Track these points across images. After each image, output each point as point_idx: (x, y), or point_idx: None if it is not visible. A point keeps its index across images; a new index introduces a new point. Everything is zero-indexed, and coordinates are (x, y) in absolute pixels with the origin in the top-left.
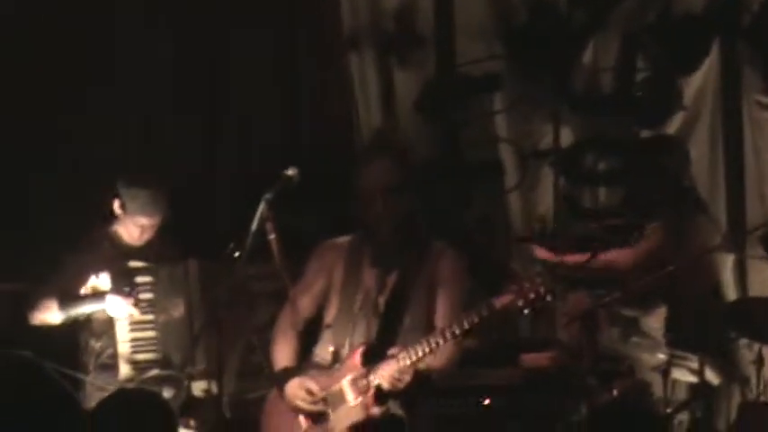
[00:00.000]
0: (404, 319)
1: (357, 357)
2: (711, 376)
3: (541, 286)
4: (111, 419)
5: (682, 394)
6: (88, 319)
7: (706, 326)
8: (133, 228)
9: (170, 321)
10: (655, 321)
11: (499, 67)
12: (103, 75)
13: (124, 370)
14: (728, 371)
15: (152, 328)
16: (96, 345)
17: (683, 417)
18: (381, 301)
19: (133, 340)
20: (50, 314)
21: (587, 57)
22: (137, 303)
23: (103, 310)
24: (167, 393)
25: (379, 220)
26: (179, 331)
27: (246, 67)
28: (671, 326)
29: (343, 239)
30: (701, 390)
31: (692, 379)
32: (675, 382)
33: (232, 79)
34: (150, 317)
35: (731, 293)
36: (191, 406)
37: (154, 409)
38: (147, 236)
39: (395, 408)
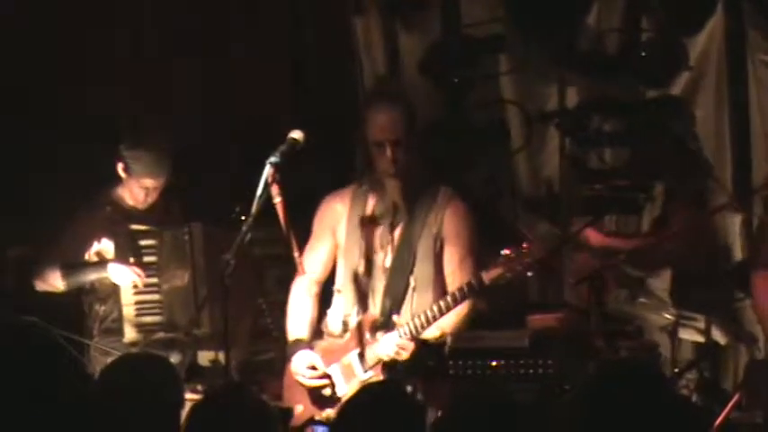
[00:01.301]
0: (411, 277)
1: (363, 330)
2: (718, 336)
3: (527, 257)
4: (118, 384)
5: (689, 354)
6: (92, 284)
7: (713, 286)
8: (138, 190)
9: (175, 284)
10: (662, 282)
11: (504, 28)
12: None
13: (129, 333)
14: (735, 330)
15: (156, 291)
16: (101, 309)
17: (691, 376)
18: (386, 260)
19: (137, 303)
20: (54, 282)
21: (592, 18)
22: (140, 267)
23: (108, 278)
24: (174, 359)
25: (386, 170)
26: (184, 294)
27: (250, 32)
28: (678, 286)
29: (344, 193)
30: (708, 349)
31: (700, 339)
32: (682, 342)
33: (235, 44)
34: (154, 280)
35: (738, 253)
36: (197, 372)
37: (160, 373)
38: (151, 198)
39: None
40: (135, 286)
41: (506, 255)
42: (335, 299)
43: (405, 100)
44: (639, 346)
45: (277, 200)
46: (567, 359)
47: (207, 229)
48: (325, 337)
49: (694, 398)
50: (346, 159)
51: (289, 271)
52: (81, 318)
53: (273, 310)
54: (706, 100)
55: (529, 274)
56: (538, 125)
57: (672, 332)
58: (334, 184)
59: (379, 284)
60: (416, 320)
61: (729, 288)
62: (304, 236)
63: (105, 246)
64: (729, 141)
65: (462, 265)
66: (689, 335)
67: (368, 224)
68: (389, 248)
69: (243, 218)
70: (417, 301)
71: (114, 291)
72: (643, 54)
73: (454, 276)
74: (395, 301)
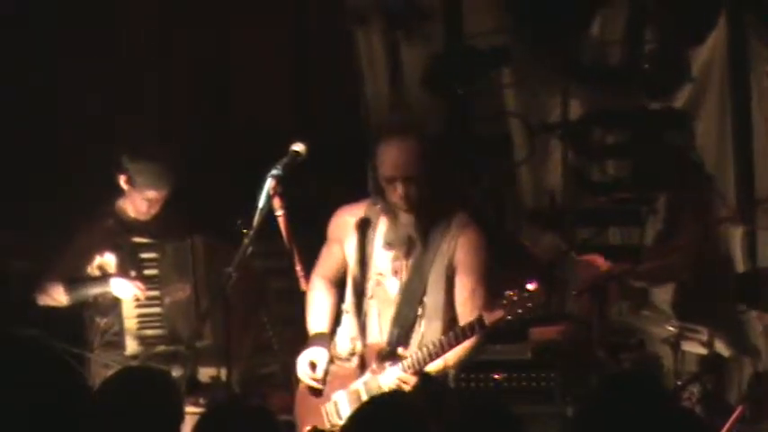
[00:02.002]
0: (420, 306)
1: (370, 359)
2: (722, 348)
3: (529, 301)
4: (117, 397)
5: (692, 367)
6: (95, 298)
7: (716, 298)
8: (141, 202)
9: (176, 297)
10: (664, 294)
11: (507, 40)
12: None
13: (131, 346)
14: (739, 343)
15: (158, 305)
16: (102, 322)
17: (694, 389)
18: (395, 286)
19: (139, 316)
20: (57, 296)
21: (595, 29)
22: (142, 281)
23: (111, 292)
24: (175, 373)
25: (398, 206)
26: (185, 307)
27: (254, 43)
28: (681, 298)
29: (357, 209)
30: (711, 362)
31: (703, 351)
32: (685, 354)
33: (239, 53)
34: (156, 293)
35: (741, 266)
36: (197, 385)
37: (160, 387)
38: (154, 210)
39: None
40: (137, 299)
41: (509, 296)
42: (343, 318)
43: (418, 133)
44: (642, 359)
45: (279, 213)
46: (570, 371)
47: (209, 242)
48: (335, 360)
49: (697, 410)
50: (349, 173)
51: (291, 284)
52: (82, 330)
53: (275, 324)
54: (708, 111)
55: (528, 317)
56: (541, 137)
57: (674, 344)
58: (336, 197)
59: (387, 311)
60: (419, 354)
61: (732, 300)
62: (306, 249)
63: (107, 259)
64: (732, 153)
65: (474, 295)
66: (692, 347)
67: (377, 247)
68: (401, 275)
69: (244, 231)
70: (426, 330)
71: (115, 304)
72: (646, 66)
73: (465, 306)
74: (403, 329)
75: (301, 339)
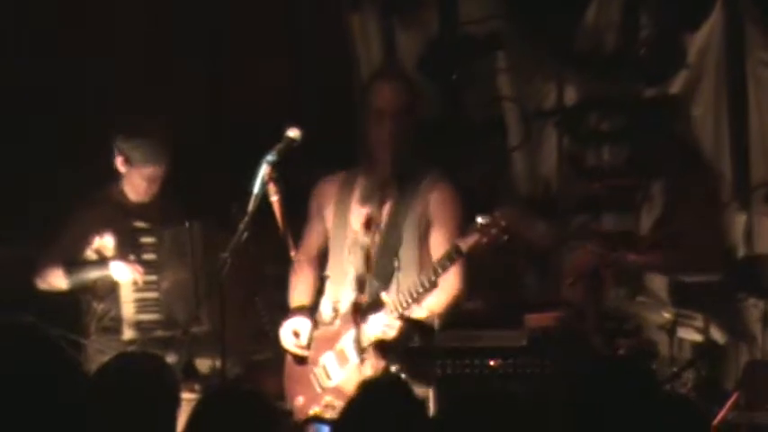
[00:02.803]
0: (396, 259)
1: (351, 315)
2: (717, 335)
3: (501, 220)
4: (113, 383)
5: (687, 353)
6: (92, 282)
7: (712, 284)
8: (139, 181)
9: (174, 282)
10: (660, 280)
11: (502, 26)
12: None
13: (127, 331)
14: (735, 330)
15: (155, 289)
16: (99, 307)
17: (689, 375)
18: (371, 242)
19: (137, 300)
20: (57, 280)
21: (590, 15)
22: (140, 265)
23: (110, 275)
24: (170, 359)
25: (381, 140)
26: (183, 292)
27: (248, 27)
28: (677, 285)
29: (336, 176)
30: (706, 349)
31: (698, 338)
32: (681, 341)
33: (233, 40)
34: (154, 278)
35: (740, 252)
36: (193, 371)
37: (156, 372)
38: (153, 189)
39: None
40: (135, 284)
41: (480, 222)
42: (326, 285)
43: (412, 80)
44: (638, 345)
45: (274, 198)
46: (565, 358)
47: (207, 228)
48: (319, 326)
49: (693, 397)
50: (345, 157)
51: (285, 270)
52: (78, 316)
53: (269, 310)
54: (704, 98)
55: (504, 238)
56: (536, 123)
57: (670, 331)
58: None
59: (363, 267)
60: (401, 296)
61: (730, 287)
62: (300, 234)
63: (105, 242)
64: (728, 139)
65: (449, 240)
66: (687, 334)
67: (352, 206)
68: (375, 231)
69: (239, 217)
70: (402, 283)
71: (113, 289)
72: (641, 51)
73: (438, 251)
74: (382, 282)
75: None
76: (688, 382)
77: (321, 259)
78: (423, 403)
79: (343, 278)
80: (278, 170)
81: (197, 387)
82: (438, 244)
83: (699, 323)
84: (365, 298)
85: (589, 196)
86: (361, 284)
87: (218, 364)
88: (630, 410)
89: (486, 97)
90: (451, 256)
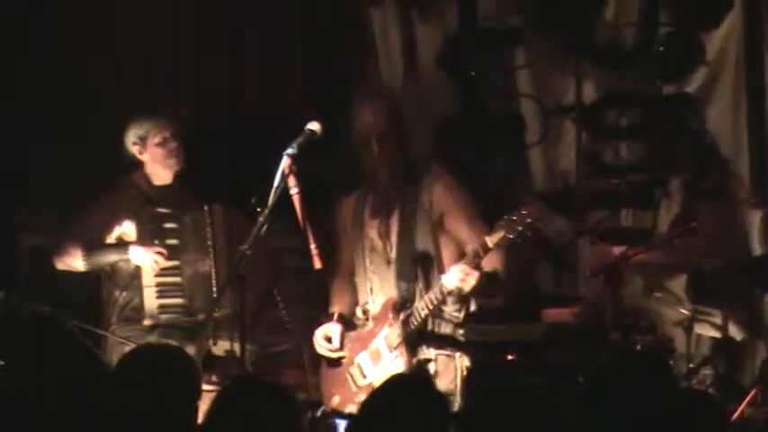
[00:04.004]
0: (416, 257)
1: (384, 314)
2: (735, 332)
3: (528, 217)
4: (134, 375)
5: (705, 350)
6: (113, 271)
7: (730, 281)
8: (159, 151)
9: (196, 266)
10: (678, 276)
11: (521, 22)
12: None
13: (148, 319)
14: (752, 326)
15: (178, 274)
16: (120, 296)
17: (707, 372)
18: (388, 249)
19: (159, 285)
20: (75, 261)
21: (609, 11)
22: (162, 254)
23: (128, 262)
24: (190, 350)
25: (376, 164)
26: (205, 279)
27: (267, 21)
28: (694, 281)
29: (352, 194)
30: (724, 345)
31: (716, 334)
32: (698, 337)
33: (251, 35)
34: (176, 263)
35: (757, 249)
36: (211, 362)
37: (177, 364)
38: (176, 151)
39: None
40: (156, 268)
41: (507, 218)
42: (358, 293)
43: (386, 95)
44: (654, 341)
45: (294, 191)
46: (583, 353)
47: (227, 211)
48: (354, 328)
49: (711, 393)
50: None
51: (304, 262)
52: (97, 306)
53: (288, 302)
54: (723, 95)
55: (529, 234)
56: (554, 119)
57: (687, 327)
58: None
59: (387, 272)
60: (432, 294)
61: (747, 283)
62: (320, 227)
63: (127, 229)
64: (746, 136)
65: (474, 229)
66: (705, 330)
67: (366, 220)
68: (390, 238)
69: (258, 209)
70: (426, 281)
71: (135, 277)
72: (660, 49)
73: (473, 239)
74: (407, 281)
75: (314, 318)
76: (706, 379)
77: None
78: (444, 398)
79: (369, 285)
80: (298, 163)
81: (214, 378)
82: (461, 230)
83: (716, 319)
84: (397, 298)
85: (607, 192)
86: (388, 287)
87: (234, 347)
88: (648, 405)
89: (504, 93)
90: (479, 254)
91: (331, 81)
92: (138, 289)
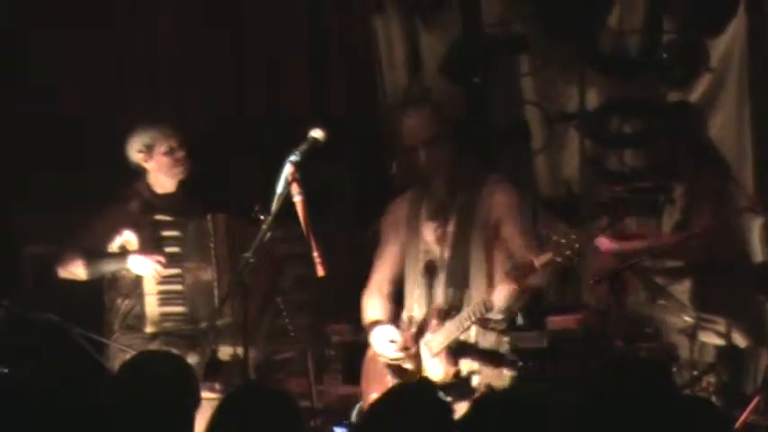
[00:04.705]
0: (469, 267)
1: (429, 321)
2: (738, 339)
3: (576, 242)
4: (133, 382)
5: (708, 357)
6: (115, 279)
7: (733, 289)
8: (166, 160)
9: (197, 275)
10: (681, 284)
11: (525, 28)
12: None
13: (150, 326)
14: (756, 334)
15: (180, 282)
16: (123, 304)
17: (710, 380)
18: (442, 255)
19: (160, 293)
20: (77, 270)
21: (613, 18)
22: (162, 257)
23: (129, 269)
24: (192, 359)
25: (428, 170)
26: (207, 287)
27: (273, 29)
28: (698, 289)
29: (405, 196)
30: (727, 353)
31: (719, 342)
32: (702, 344)
33: (255, 40)
34: (178, 270)
35: (759, 256)
36: (216, 369)
37: (176, 373)
38: (183, 161)
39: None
40: (157, 277)
41: (556, 240)
42: (404, 299)
43: (431, 101)
44: (658, 348)
45: (297, 198)
46: (586, 360)
47: (230, 220)
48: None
49: (714, 401)
50: (366, 158)
51: (307, 270)
52: (100, 313)
53: (291, 310)
54: (727, 102)
55: (575, 260)
56: (558, 126)
57: (691, 335)
58: (353, 182)
59: (439, 279)
60: (473, 307)
61: (750, 291)
62: (322, 235)
63: (129, 237)
64: (750, 143)
65: (523, 243)
66: (709, 338)
67: (422, 223)
68: (445, 244)
69: (261, 217)
70: (475, 289)
71: (137, 284)
72: (664, 55)
73: (522, 251)
74: (457, 289)
75: (318, 326)
76: (709, 387)
77: (397, 278)
78: (446, 407)
79: (418, 290)
80: (301, 170)
81: (218, 386)
82: (511, 242)
83: (720, 327)
84: (442, 305)
85: (611, 200)
86: (437, 293)
87: (239, 351)
88: (650, 413)
89: (508, 100)
90: (525, 272)
91: (338, 90)
92: (140, 297)
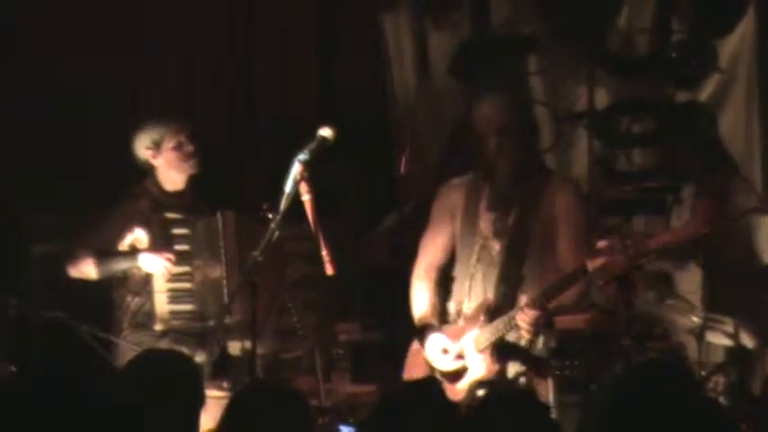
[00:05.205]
0: (524, 263)
1: (476, 315)
2: (746, 340)
3: (631, 248)
4: (138, 380)
5: (716, 357)
6: (125, 276)
7: (742, 289)
8: (175, 155)
9: (206, 273)
10: (690, 284)
11: (534, 28)
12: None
13: (159, 324)
14: (764, 334)
15: (189, 280)
16: (132, 302)
17: (718, 380)
18: (499, 248)
19: (170, 291)
20: (87, 269)
21: (622, 18)
22: (172, 259)
23: (140, 268)
24: (200, 357)
25: (495, 160)
26: (216, 285)
27: (279, 26)
28: (707, 289)
29: (461, 180)
30: (735, 353)
31: (727, 342)
32: (710, 345)
33: (264, 38)
34: (187, 269)
35: (767, 256)
36: (224, 367)
37: (181, 371)
38: (192, 155)
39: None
40: (168, 274)
41: (610, 246)
42: (452, 287)
43: (508, 89)
44: (666, 349)
45: (305, 197)
46: (595, 360)
47: (239, 218)
48: (445, 323)
49: (722, 401)
50: (374, 157)
51: (316, 269)
52: (109, 312)
53: (299, 308)
54: (736, 101)
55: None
56: (567, 125)
57: (699, 335)
58: (361, 181)
59: (492, 271)
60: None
61: (758, 291)
62: (330, 234)
63: (139, 235)
64: (759, 144)
65: (577, 245)
66: (717, 338)
67: (481, 211)
68: (503, 236)
69: (269, 216)
70: (529, 286)
71: (146, 283)
72: (673, 55)
73: (569, 256)
74: (510, 286)
75: (325, 324)
76: (717, 387)
77: (446, 263)
78: (452, 405)
79: (470, 281)
80: (309, 169)
81: (225, 385)
82: (566, 242)
83: (728, 327)
84: (493, 300)
85: (619, 199)
86: (489, 288)
87: (247, 345)
88: (662, 414)
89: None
90: (577, 275)
91: (346, 89)
92: (150, 294)
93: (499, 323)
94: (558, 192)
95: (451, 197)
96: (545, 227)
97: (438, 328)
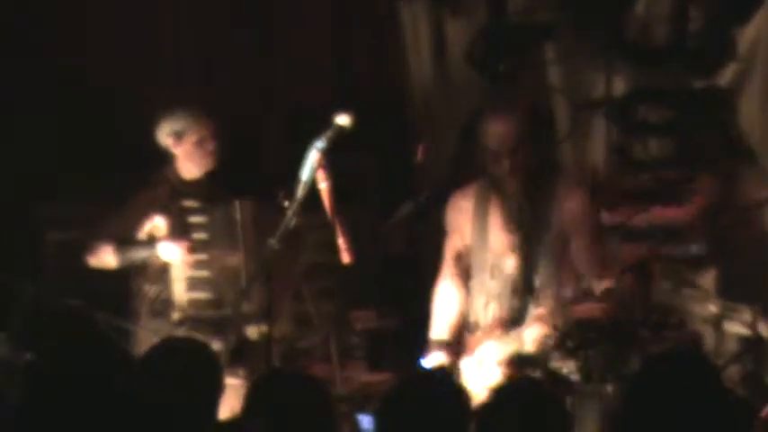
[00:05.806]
0: (536, 278)
1: (492, 329)
2: (764, 329)
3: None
4: (157, 368)
5: (733, 347)
6: (144, 265)
7: (759, 278)
8: (196, 150)
9: (224, 261)
10: (707, 273)
11: (551, 16)
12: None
13: (177, 312)
14: None
15: (206, 268)
16: (150, 290)
17: (735, 369)
18: (512, 264)
19: (188, 279)
20: (106, 258)
21: (640, 7)
22: (190, 246)
23: (159, 256)
24: (217, 345)
25: (505, 176)
26: (233, 271)
27: (298, 18)
28: (723, 278)
29: (468, 190)
30: (752, 343)
31: (744, 332)
32: (727, 334)
33: (281, 29)
34: (205, 256)
35: None
36: (241, 354)
37: (199, 359)
38: (212, 152)
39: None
40: (186, 262)
41: (621, 271)
42: (470, 299)
43: (522, 106)
44: (683, 338)
45: (323, 185)
46: (611, 349)
47: (257, 205)
48: (465, 331)
49: (738, 391)
50: (391, 146)
51: (332, 257)
52: (126, 300)
53: (315, 296)
54: (753, 91)
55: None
56: (583, 114)
57: (716, 324)
58: (379, 169)
59: (506, 285)
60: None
61: None
62: (347, 222)
63: (158, 223)
64: None
65: (590, 256)
66: (734, 327)
67: (491, 224)
68: (516, 252)
69: (286, 203)
70: (542, 299)
71: (164, 271)
72: (690, 44)
73: (582, 265)
74: (522, 301)
75: (341, 313)
76: (734, 376)
77: (466, 273)
78: (465, 394)
79: (485, 295)
80: (327, 157)
81: (242, 372)
82: (578, 252)
83: (746, 317)
84: (507, 314)
85: (636, 188)
86: (504, 302)
87: (264, 330)
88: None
89: (534, 88)
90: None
91: (363, 77)
92: (168, 283)
93: (514, 335)
94: (568, 199)
95: (461, 206)
96: (556, 239)
97: (449, 347)
